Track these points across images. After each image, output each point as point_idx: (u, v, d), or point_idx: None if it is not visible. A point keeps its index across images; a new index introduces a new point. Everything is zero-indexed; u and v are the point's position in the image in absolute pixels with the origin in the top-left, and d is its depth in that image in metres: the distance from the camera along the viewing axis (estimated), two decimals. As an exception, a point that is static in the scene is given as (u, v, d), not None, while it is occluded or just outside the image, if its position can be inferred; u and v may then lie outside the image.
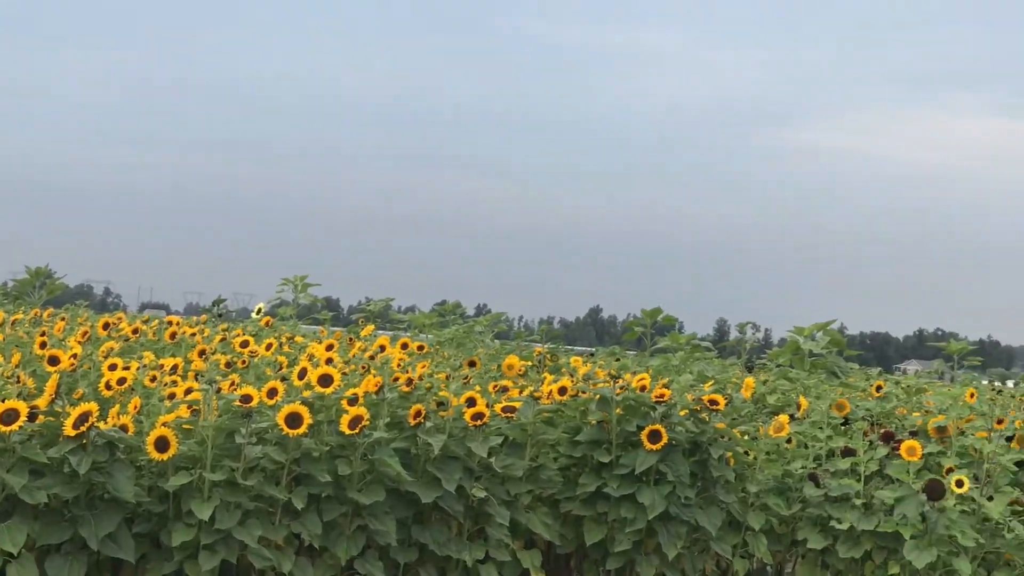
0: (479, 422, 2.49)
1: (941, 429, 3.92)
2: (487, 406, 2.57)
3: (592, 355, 5.16)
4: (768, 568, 3.44)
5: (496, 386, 3.09)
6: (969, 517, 3.29)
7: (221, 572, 2.05)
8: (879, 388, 4.70)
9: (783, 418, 3.48)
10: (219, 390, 2.19)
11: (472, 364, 3.64)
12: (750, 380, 3.62)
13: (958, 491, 3.24)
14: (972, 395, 3.90)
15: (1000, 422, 4.09)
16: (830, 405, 4.13)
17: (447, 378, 2.83)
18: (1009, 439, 4.13)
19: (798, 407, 4.03)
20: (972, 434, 3.83)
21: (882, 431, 3.87)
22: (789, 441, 3.70)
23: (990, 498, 3.42)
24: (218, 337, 3.54)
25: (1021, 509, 3.51)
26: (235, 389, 2.29)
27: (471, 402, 2.54)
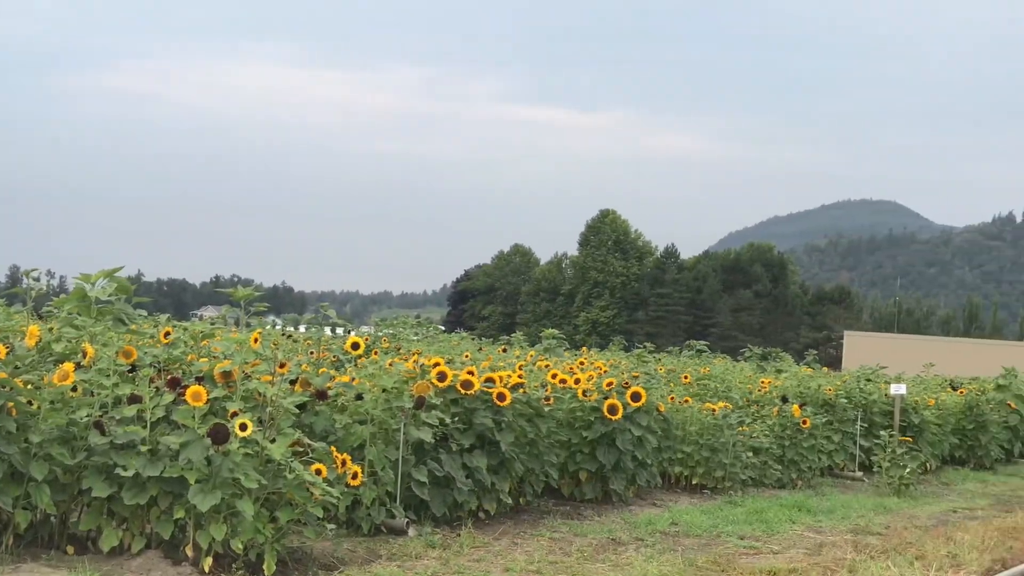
0: None
1: (227, 374, 5.34)
2: None
3: None
4: (52, 519, 4.03)
5: None
6: (253, 459, 4.71)
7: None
8: (167, 335, 5.88)
9: (68, 366, 4.15)
10: None
11: None
12: (34, 328, 4.15)
13: (242, 434, 4.60)
14: (256, 340, 5.40)
15: (283, 366, 5.85)
16: (117, 352, 5.01)
17: None
18: (292, 382, 5.93)
19: (84, 355, 4.74)
20: (257, 378, 5.38)
21: (169, 377, 5.03)
22: (75, 389, 4.38)
23: (273, 440, 4.96)
24: None
25: (302, 450, 5.21)
26: None
27: None
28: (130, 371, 5.18)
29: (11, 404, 3.59)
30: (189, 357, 5.85)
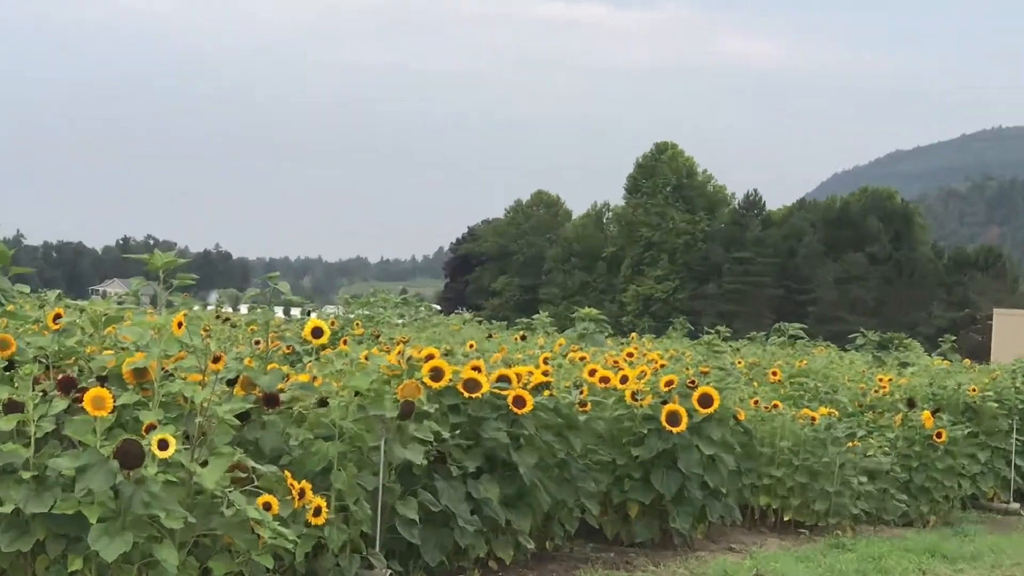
0: None
1: (140, 372, 5.35)
2: None
3: None
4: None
5: None
6: (177, 489, 4.70)
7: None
8: (57, 318, 5.89)
9: None
10: None
11: None
12: None
13: (162, 455, 4.60)
14: (180, 325, 5.39)
15: (217, 360, 5.83)
16: None
17: None
18: (231, 383, 5.92)
19: None
20: (183, 378, 5.37)
21: (61, 377, 5.05)
22: None
23: (204, 463, 4.95)
24: None
25: (244, 476, 5.20)
26: None
27: None
28: (6, 368, 5.17)
29: None
30: (88, 349, 5.83)
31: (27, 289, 6.73)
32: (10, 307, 5.95)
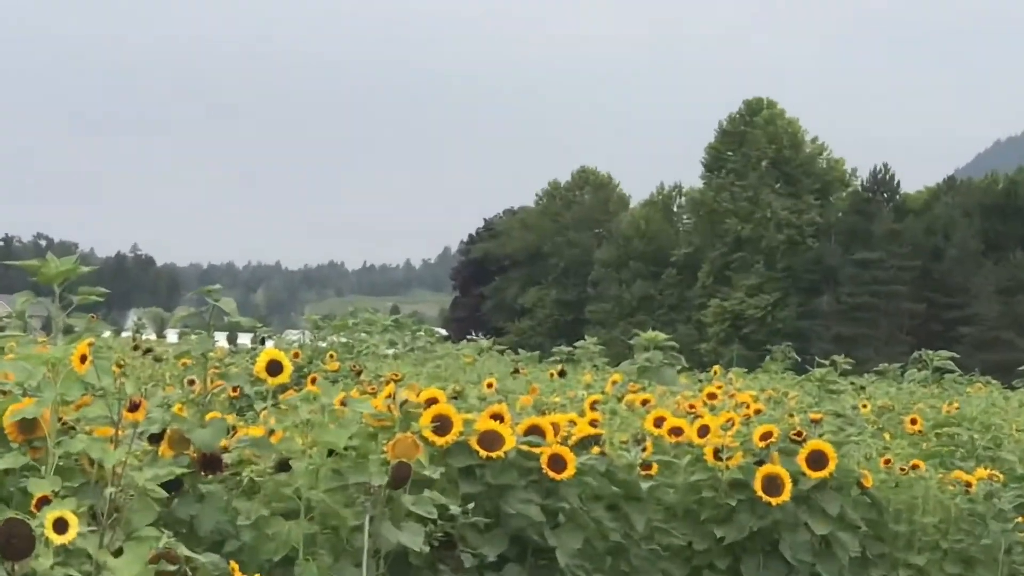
0: None
1: (28, 424, 5.38)
2: None
3: None
4: None
5: None
6: (77, 587, 4.69)
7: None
8: None
9: None
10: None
11: None
12: None
13: (59, 540, 4.61)
14: (84, 358, 5.40)
15: (136, 408, 5.84)
16: None
17: None
18: (156, 438, 5.95)
19: None
20: (88, 431, 5.37)
21: None
22: None
23: (119, 551, 4.95)
24: None
25: (174, 569, 5.16)
26: None
27: None
28: None
29: None
30: None
31: None
32: None
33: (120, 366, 5.63)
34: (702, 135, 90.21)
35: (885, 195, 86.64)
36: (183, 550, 5.19)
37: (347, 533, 6.19)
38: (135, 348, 14.06)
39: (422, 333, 20.73)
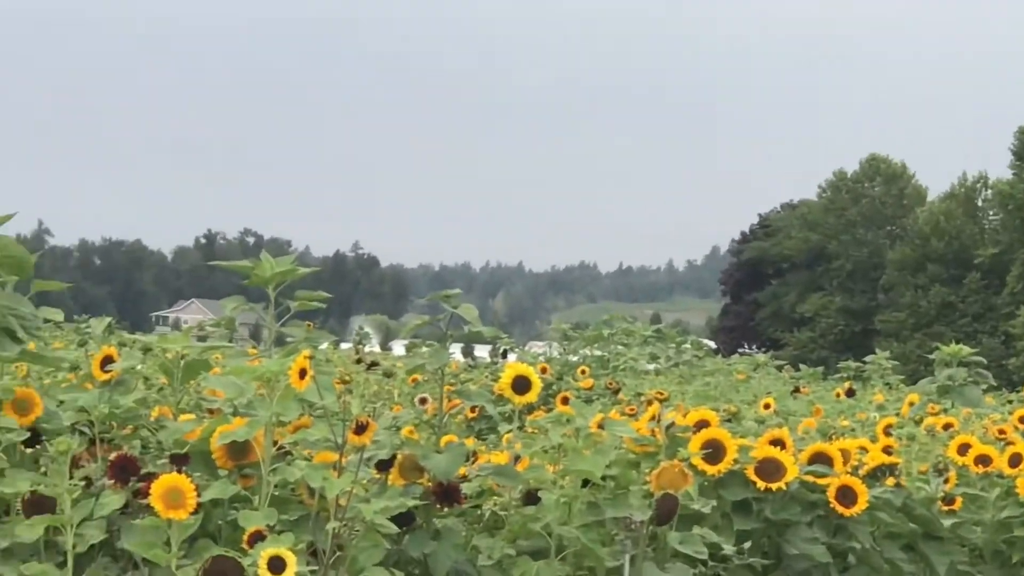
0: None
1: (240, 448, 5.41)
2: None
3: None
4: None
5: None
6: (295, 635, 4.67)
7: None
8: (108, 362, 6.13)
9: None
10: None
11: None
12: None
13: (276, 581, 4.58)
14: (304, 373, 5.41)
15: (363, 429, 5.83)
16: None
17: None
18: (383, 466, 5.95)
19: None
20: (308, 456, 5.44)
21: (115, 456, 5.20)
22: None
23: (336, 593, 4.94)
24: None
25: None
26: None
27: None
28: (29, 443, 5.26)
29: None
30: (155, 412, 5.93)
31: (59, 315, 6.55)
32: (31, 345, 5.92)
33: (344, 382, 5.63)
34: (1011, 117, 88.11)
35: None
36: (417, 596, 5.19)
37: (603, 575, 6.12)
38: (358, 361, 14.16)
39: (688, 345, 20.66)
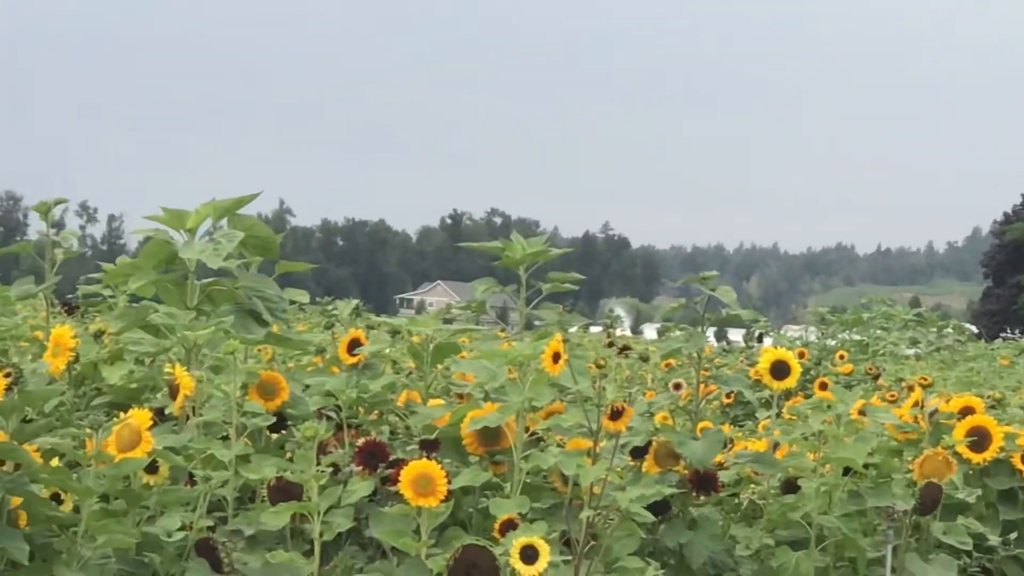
0: None
1: (491, 435, 5.44)
2: None
3: None
4: None
5: None
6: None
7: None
8: (355, 346, 6.29)
9: (138, 417, 4.54)
10: None
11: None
12: (62, 332, 5.02)
13: (528, 572, 4.52)
14: (558, 357, 5.36)
15: (618, 415, 5.74)
16: (244, 387, 5.33)
17: None
18: (638, 452, 5.91)
19: (171, 391, 5.11)
20: (561, 443, 5.37)
21: (362, 442, 5.26)
22: (153, 468, 4.65)
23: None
24: None
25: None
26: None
27: None
28: (274, 427, 5.32)
29: (15, 501, 3.62)
30: (403, 396, 5.98)
31: (304, 297, 6.78)
32: (275, 327, 6.00)
33: (599, 366, 5.53)
34: None
35: None
36: (667, 587, 5.09)
37: (864, 566, 6.05)
38: (610, 345, 14.09)
39: (950, 330, 20.27)
